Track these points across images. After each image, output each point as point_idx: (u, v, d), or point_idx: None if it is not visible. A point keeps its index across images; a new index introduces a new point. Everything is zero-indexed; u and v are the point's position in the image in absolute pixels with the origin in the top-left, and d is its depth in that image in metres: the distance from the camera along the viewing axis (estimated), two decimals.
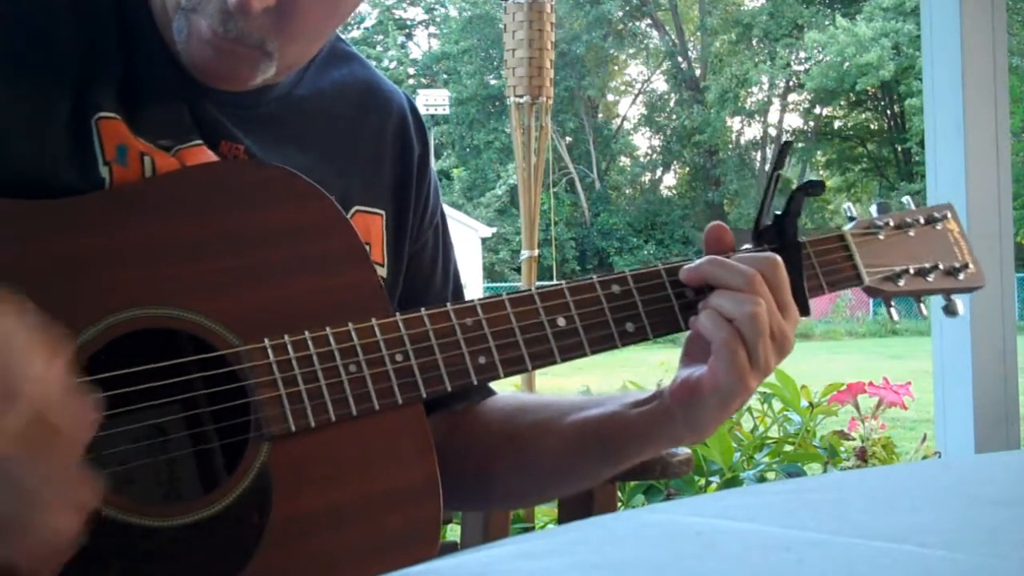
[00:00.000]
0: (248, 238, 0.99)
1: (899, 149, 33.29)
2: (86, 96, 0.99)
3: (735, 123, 35.42)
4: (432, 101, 28.30)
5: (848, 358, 16.07)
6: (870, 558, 0.58)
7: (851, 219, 1.23)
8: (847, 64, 29.91)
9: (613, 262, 30.01)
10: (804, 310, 1.09)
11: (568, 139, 33.95)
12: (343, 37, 1.23)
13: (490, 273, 28.94)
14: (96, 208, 0.96)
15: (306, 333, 0.96)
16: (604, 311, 1.07)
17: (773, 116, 36.20)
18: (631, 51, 37.11)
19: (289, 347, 0.95)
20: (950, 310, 1.24)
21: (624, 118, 37.36)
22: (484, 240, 27.63)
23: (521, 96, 3.66)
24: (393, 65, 33.74)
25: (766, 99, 35.46)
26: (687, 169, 36.44)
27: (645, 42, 37.14)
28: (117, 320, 0.90)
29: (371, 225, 1.16)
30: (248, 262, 0.98)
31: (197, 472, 0.98)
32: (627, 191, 35.98)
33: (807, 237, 1.16)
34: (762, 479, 3.23)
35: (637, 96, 37.46)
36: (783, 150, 1.17)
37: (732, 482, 3.11)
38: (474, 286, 22.66)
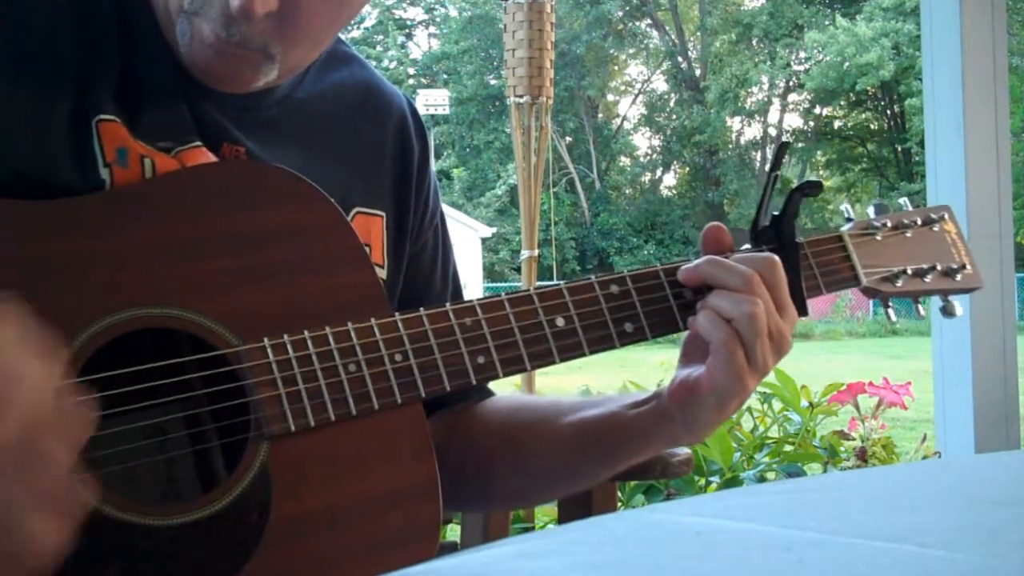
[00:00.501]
0: (248, 238, 0.99)
1: (899, 149, 33.30)
2: (86, 97, 0.99)
3: (735, 123, 35.45)
4: (432, 101, 28.30)
5: (848, 358, 16.07)
6: (870, 558, 0.58)
7: (849, 220, 1.23)
8: (847, 64, 29.92)
9: (613, 262, 30.01)
10: (802, 310, 1.09)
11: (568, 139, 33.96)
12: (343, 38, 1.23)
13: (490, 273, 28.95)
14: (95, 209, 0.96)
15: (305, 333, 0.96)
16: (603, 311, 1.07)
17: (773, 116, 36.25)
18: (631, 51, 37.12)
19: (288, 347, 0.95)
20: (948, 311, 1.24)
21: (624, 118, 37.40)
22: (484, 240, 27.64)
23: (521, 96, 3.66)
24: (393, 65, 33.76)
25: (766, 99, 35.49)
26: (687, 169, 36.45)
27: (645, 42, 37.16)
28: (117, 320, 0.90)
29: (371, 226, 1.16)
30: (248, 262, 0.98)
31: (196, 472, 0.98)
32: (627, 191, 36.00)
33: (805, 238, 1.16)
34: (762, 479, 3.23)
35: (637, 96, 37.49)
36: (780, 151, 1.17)
37: (732, 482, 3.12)
38: (474, 286, 22.67)
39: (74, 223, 0.94)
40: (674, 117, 35.59)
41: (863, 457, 3.34)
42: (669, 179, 37.20)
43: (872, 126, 35.46)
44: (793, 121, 36.74)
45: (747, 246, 1.13)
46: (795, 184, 1.14)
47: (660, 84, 37.29)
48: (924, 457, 3.40)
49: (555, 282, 1.08)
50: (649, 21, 36.51)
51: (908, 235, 1.24)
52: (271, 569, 0.92)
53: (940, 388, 2.91)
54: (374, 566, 0.93)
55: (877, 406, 3.46)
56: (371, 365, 0.97)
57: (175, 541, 0.89)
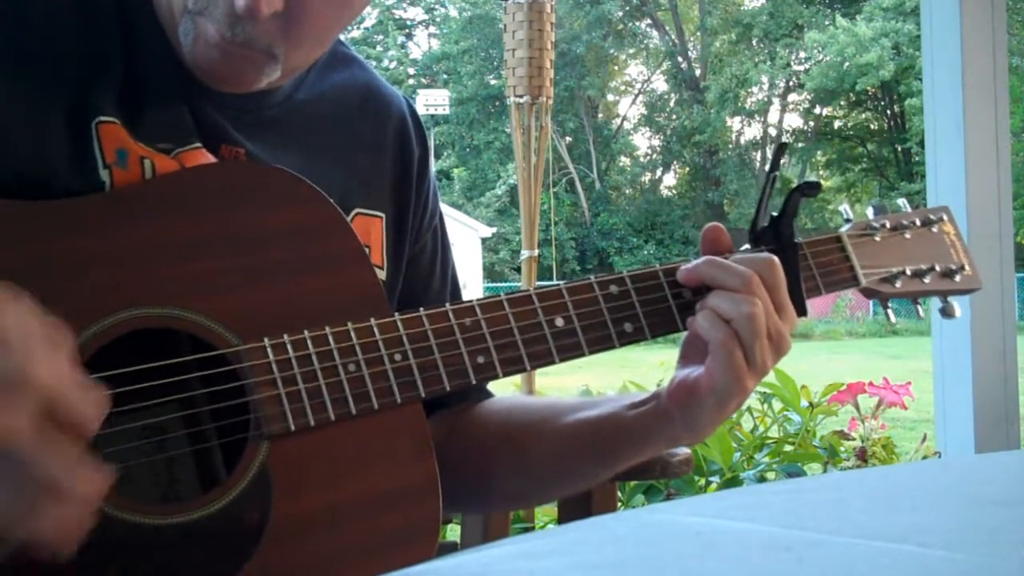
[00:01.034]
0: (247, 238, 0.99)
1: (899, 149, 33.30)
2: (87, 98, 0.99)
3: (735, 123, 35.46)
4: (432, 101, 28.30)
5: (848, 358, 16.07)
6: (870, 558, 0.58)
7: (847, 221, 1.23)
8: (847, 64, 29.93)
9: (613, 262, 30.01)
10: (801, 311, 1.09)
11: (568, 139, 33.96)
12: (343, 39, 1.23)
13: (490, 273, 28.95)
14: (95, 209, 0.96)
15: (305, 332, 0.96)
16: (602, 311, 1.07)
17: (773, 116, 36.25)
18: (631, 51, 37.13)
19: (288, 346, 0.95)
20: (947, 312, 1.24)
21: (624, 118, 37.40)
22: (484, 240, 27.64)
23: (521, 96, 3.66)
24: (393, 65, 33.76)
25: (766, 99, 35.49)
26: (687, 169, 36.45)
27: (645, 42, 37.16)
28: (116, 320, 0.90)
29: (371, 227, 1.16)
30: (247, 262, 0.98)
31: (196, 471, 0.98)
32: (627, 191, 36.00)
33: (804, 238, 1.16)
34: (762, 479, 3.23)
35: (637, 96, 37.50)
36: (779, 151, 1.17)
37: (732, 482, 3.12)
38: (474, 286, 22.67)
39: (74, 224, 0.94)
40: (674, 117, 35.60)
41: (863, 457, 3.34)
42: (669, 179, 37.25)
43: (872, 126, 35.46)
44: (793, 121, 36.80)
45: (746, 246, 1.13)
46: (794, 184, 1.14)
47: (660, 84, 37.34)
48: (924, 457, 3.40)
49: (555, 282, 1.08)
50: (649, 21, 36.52)
51: (907, 236, 1.24)
52: (271, 568, 0.92)
53: (940, 388, 2.91)
54: (374, 566, 0.93)
55: (877, 406, 3.46)
56: (371, 365, 0.97)
57: (175, 541, 0.89)
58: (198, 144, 1.04)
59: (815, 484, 0.97)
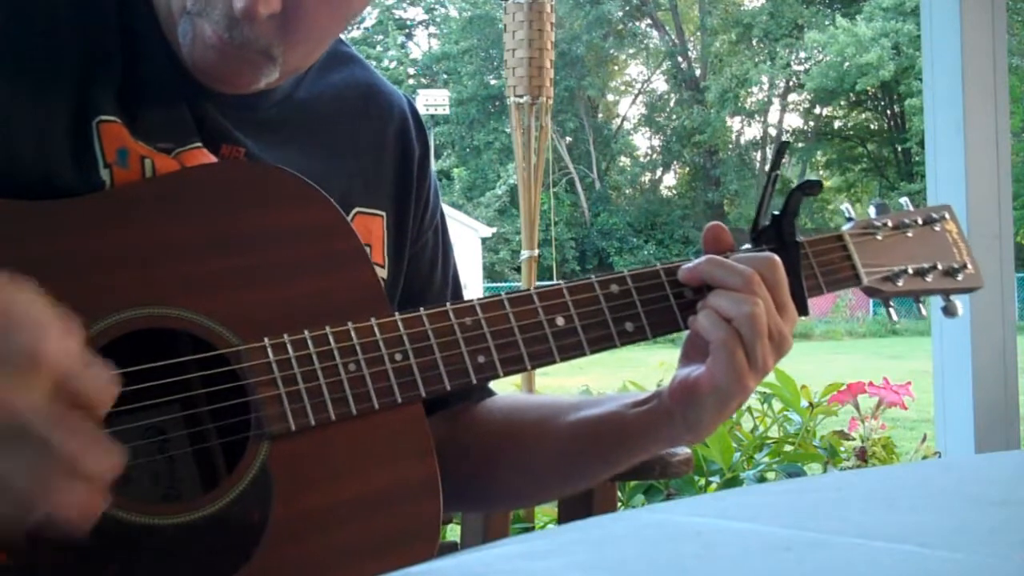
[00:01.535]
0: (247, 238, 0.99)
1: (899, 149, 33.30)
2: (87, 98, 0.99)
3: (735, 123, 35.46)
4: (432, 101, 28.29)
5: (848, 358, 16.07)
6: (870, 558, 0.58)
7: (849, 219, 1.23)
8: (847, 64, 29.93)
9: (613, 262, 30.01)
10: (803, 310, 1.09)
11: (568, 139, 33.96)
12: (343, 39, 1.23)
13: (490, 273, 28.95)
14: (95, 209, 0.96)
15: (305, 332, 0.96)
16: (603, 311, 1.07)
17: (773, 116, 36.26)
18: (631, 51, 37.12)
19: (289, 346, 0.95)
20: (949, 311, 1.24)
21: (624, 118, 37.41)
22: (484, 240, 27.64)
23: (521, 96, 3.66)
24: (393, 65, 33.76)
25: (766, 99, 35.49)
26: (687, 169, 36.45)
27: (645, 42, 37.16)
28: (117, 320, 0.90)
29: (372, 226, 1.16)
30: (248, 262, 0.98)
31: (197, 471, 0.98)
32: (627, 191, 35.99)
33: (805, 237, 1.16)
34: (762, 479, 3.23)
35: (637, 96, 37.50)
36: (780, 150, 1.17)
37: (732, 482, 3.11)
38: (474, 286, 22.65)
39: (74, 223, 0.94)
40: (674, 117, 35.60)
41: (863, 457, 3.34)
42: (669, 179, 37.25)
43: (872, 126, 35.46)
44: (793, 121, 36.79)
45: (748, 246, 1.13)
46: (795, 184, 1.13)
47: (660, 84, 37.35)
48: (924, 457, 3.40)
49: (555, 282, 1.08)
50: (649, 21, 36.51)
51: (909, 235, 1.23)
52: (271, 568, 0.92)
53: (940, 388, 2.91)
54: (374, 566, 0.93)
55: (877, 406, 3.46)
56: (371, 365, 0.97)
57: (176, 540, 0.89)
58: (198, 144, 1.04)
59: (815, 484, 0.97)
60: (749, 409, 3.61)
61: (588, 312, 1.06)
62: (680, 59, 35.99)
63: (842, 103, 34.75)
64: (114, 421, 0.88)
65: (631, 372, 6.65)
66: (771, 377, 3.39)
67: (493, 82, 32.36)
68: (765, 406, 3.62)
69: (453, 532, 1.90)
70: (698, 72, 35.24)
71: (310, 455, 0.95)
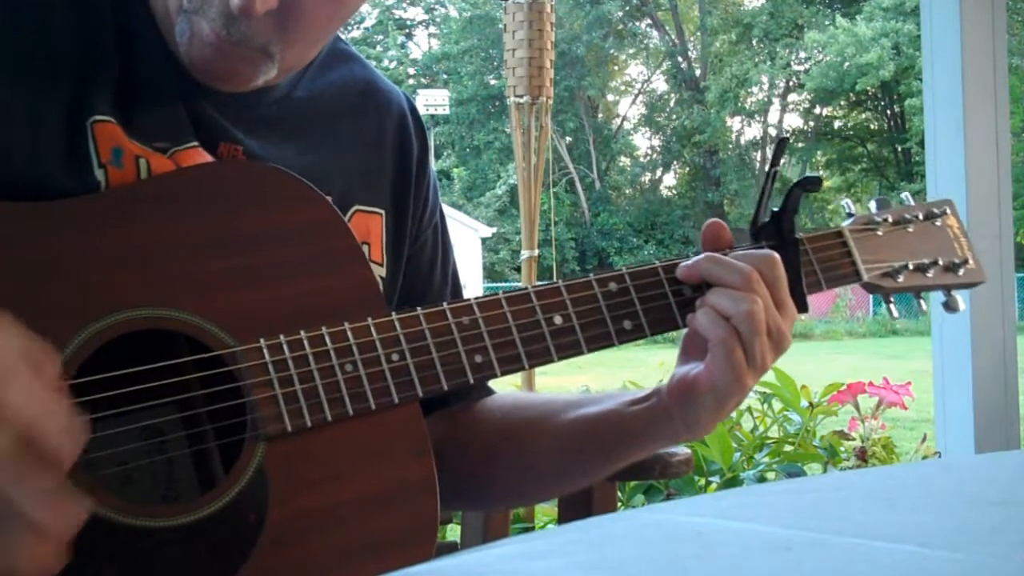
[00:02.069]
0: (244, 238, 0.99)
1: (899, 149, 33.32)
2: (82, 98, 0.99)
3: (735, 123, 35.48)
4: (432, 101, 28.32)
5: (848, 358, 16.07)
6: (870, 558, 0.58)
7: (850, 215, 1.22)
8: (847, 64, 29.94)
9: (613, 262, 30.00)
10: (802, 307, 1.09)
11: (568, 139, 33.97)
12: (342, 37, 1.23)
13: (490, 273, 28.96)
14: (90, 209, 0.95)
15: (302, 333, 0.95)
16: (601, 309, 1.06)
17: (773, 116, 36.27)
18: (631, 51, 37.14)
19: (285, 347, 0.94)
20: (950, 306, 1.23)
21: (624, 118, 37.42)
22: (484, 240, 27.65)
23: (521, 96, 3.66)
24: (393, 65, 33.78)
25: (766, 99, 35.51)
26: (687, 169, 36.47)
27: (645, 42, 37.18)
28: (113, 321, 0.90)
29: (371, 225, 1.16)
30: (244, 262, 0.98)
31: (194, 472, 0.98)
32: (627, 191, 36.01)
33: (805, 233, 1.15)
34: (762, 479, 3.23)
35: (637, 96, 37.52)
36: (780, 147, 1.17)
37: (732, 482, 3.11)
38: (474, 286, 22.66)
39: (69, 224, 0.93)
40: (674, 117, 35.62)
41: (863, 457, 3.34)
42: (669, 179, 37.27)
43: (872, 126, 35.48)
44: (793, 121, 36.80)
45: (747, 243, 1.13)
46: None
47: (660, 84, 37.37)
48: (924, 457, 3.40)
49: (552, 281, 1.08)
50: (649, 21, 36.53)
51: (910, 230, 1.23)
52: (269, 570, 0.91)
53: (940, 388, 2.91)
54: (372, 566, 0.93)
55: (877, 406, 3.45)
56: (368, 365, 0.97)
57: (172, 542, 0.89)
58: (194, 143, 1.03)
59: (815, 484, 0.97)
60: (749, 409, 3.61)
61: (586, 311, 1.06)
62: (680, 59, 36.01)
63: (842, 103, 34.77)
64: (111, 423, 0.88)
65: (631, 372, 6.65)
66: (771, 377, 3.39)
67: (493, 82, 32.37)
68: (765, 406, 3.62)
69: (453, 532, 1.90)
70: (698, 72, 35.26)
71: (307, 456, 0.94)
